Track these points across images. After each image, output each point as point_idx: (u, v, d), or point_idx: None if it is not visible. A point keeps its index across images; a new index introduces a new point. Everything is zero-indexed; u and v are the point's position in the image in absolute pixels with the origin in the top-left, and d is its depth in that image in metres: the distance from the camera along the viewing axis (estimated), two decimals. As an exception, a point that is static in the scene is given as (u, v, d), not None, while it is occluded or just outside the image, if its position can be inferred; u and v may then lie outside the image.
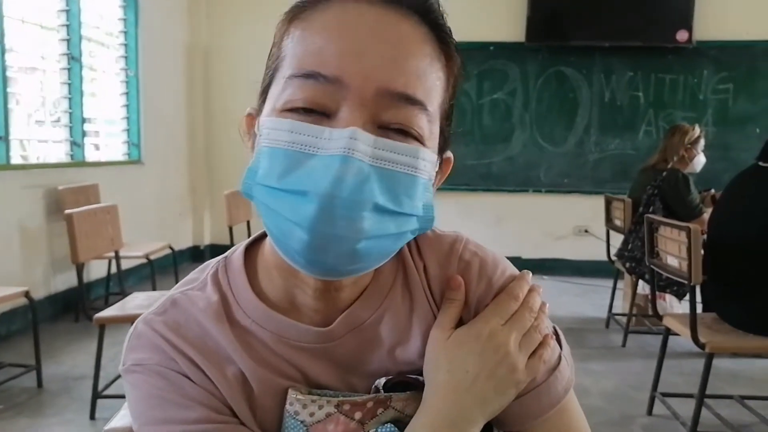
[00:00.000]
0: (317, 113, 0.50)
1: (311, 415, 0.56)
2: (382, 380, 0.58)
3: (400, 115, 0.50)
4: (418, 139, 0.51)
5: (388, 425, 0.56)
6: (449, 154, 0.61)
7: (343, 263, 0.50)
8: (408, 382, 0.59)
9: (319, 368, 0.58)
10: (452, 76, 0.56)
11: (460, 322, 0.60)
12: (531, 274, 0.65)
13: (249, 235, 0.66)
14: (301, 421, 0.56)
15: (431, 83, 0.52)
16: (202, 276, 0.63)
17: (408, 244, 0.61)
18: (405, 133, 0.50)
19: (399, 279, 0.61)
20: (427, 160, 0.52)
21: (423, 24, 0.53)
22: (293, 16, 0.54)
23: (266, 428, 0.58)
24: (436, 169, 0.57)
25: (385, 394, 0.58)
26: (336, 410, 0.56)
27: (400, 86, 0.50)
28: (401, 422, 0.57)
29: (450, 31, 0.55)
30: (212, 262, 0.64)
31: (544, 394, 0.60)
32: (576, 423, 0.62)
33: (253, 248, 0.64)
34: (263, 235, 0.62)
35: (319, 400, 0.56)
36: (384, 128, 0.50)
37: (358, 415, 0.56)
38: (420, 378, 0.59)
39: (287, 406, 0.57)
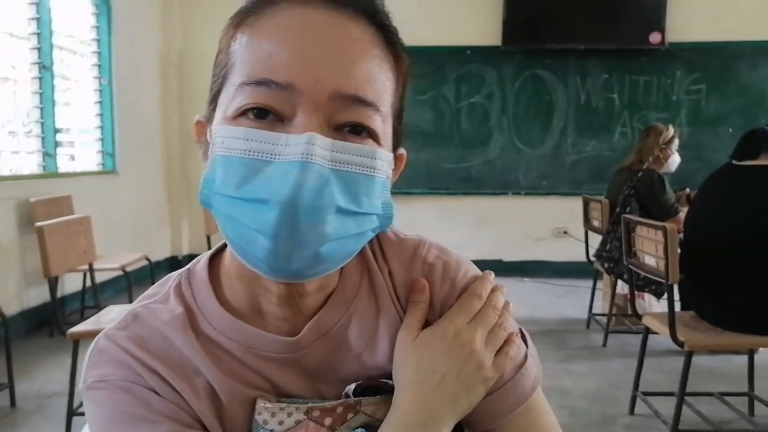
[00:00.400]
0: (271, 118, 0.49)
1: (280, 423, 0.55)
2: (352, 386, 0.58)
3: (353, 117, 0.50)
4: (374, 138, 0.52)
5: (360, 430, 0.56)
6: (402, 151, 0.61)
7: (306, 267, 0.49)
8: (378, 387, 0.58)
9: (288, 377, 0.58)
10: (401, 75, 0.56)
11: (426, 324, 0.60)
12: (493, 275, 0.65)
13: None
14: (270, 430, 0.55)
15: (381, 84, 0.52)
16: (164, 289, 0.61)
17: (372, 249, 0.62)
18: (360, 131, 0.51)
19: (364, 284, 0.61)
20: (383, 160, 0.52)
21: (370, 25, 0.53)
22: (239, 21, 0.53)
23: None
24: (392, 167, 0.57)
25: (355, 399, 0.57)
26: (305, 417, 0.56)
27: (351, 89, 0.50)
28: (372, 426, 0.56)
29: (396, 31, 0.55)
30: (174, 275, 0.63)
31: (511, 392, 0.60)
32: (544, 420, 0.62)
33: (216, 259, 0.62)
34: (225, 246, 0.61)
35: (288, 407, 0.56)
36: (339, 129, 0.50)
37: (328, 421, 0.56)
38: (390, 382, 0.58)
39: (256, 416, 0.56)
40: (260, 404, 0.56)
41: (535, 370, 0.63)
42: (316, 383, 0.59)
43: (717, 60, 5.02)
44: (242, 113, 0.50)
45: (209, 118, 0.55)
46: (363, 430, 0.56)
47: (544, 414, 0.63)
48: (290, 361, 0.58)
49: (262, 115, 0.49)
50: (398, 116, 0.58)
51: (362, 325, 0.60)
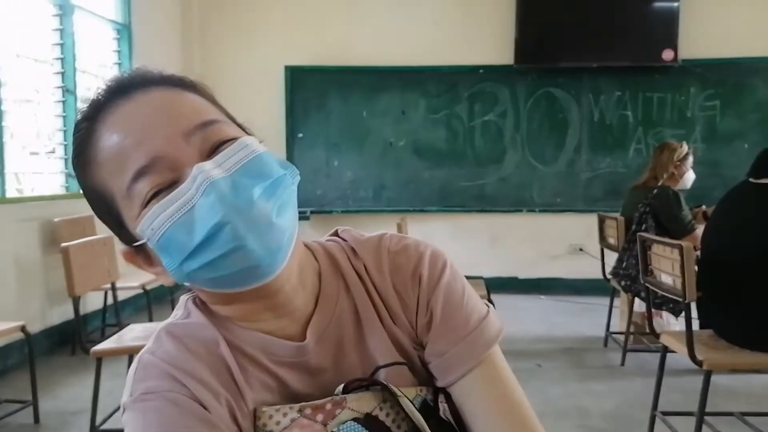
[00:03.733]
0: (166, 190, 0.57)
1: (277, 423, 0.61)
2: (341, 386, 0.64)
3: (212, 137, 0.60)
4: (235, 139, 0.61)
5: (350, 423, 0.62)
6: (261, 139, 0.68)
7: (273, 239, 0.57)
8: (361, 383, 0.65)
9: (297, 379, 0.65)
10: (206, 96, 0.66)
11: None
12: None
13: None
14: (270, 431, 0.61)
15: (202, 107, 0.63)
16: (181, 310, 0.68)
17: (344, 252, 0.72)
18: (224, 143, 0.60)
19: (341, 288, 0.69)
20: (252, 142, 0.61)
21: (161, 85, 0.63)
22: (82, 166, 0.62)
23: None
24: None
25: (341, 395, 0.63)
26: (299, 415, 0.62)
27: (192, 123, 0.60)
28: (359, 420, 0.62)
29: (175, 75, 0.65)
30: (185, 297, 0.69)
31: (478, 338, 0.67)
32: (504, 372, 0.68)
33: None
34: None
35: (283, 408, 0.62)
36: (213, 153, 0.59)
37: (319, 417, 0.62)
38: (374, 379, 0.65)
39: (257, 422, 0.62)
40: (259, 410, 0.62)
41: (498, 324, 0.70)
42: (322, 382, 0.65)
43: (731, 76, 5.01)
44: (145, 205, 0.58)
45: (128, 240, 0.62)
46: (353, 422, 0.62)
47: (503, 366, 0.68)
48: (299, 364, 0.65)
49: (159, 193, 0.58)
50: (235, 120, 0.67)
51: (348, 325, 0.68)
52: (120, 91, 0.61)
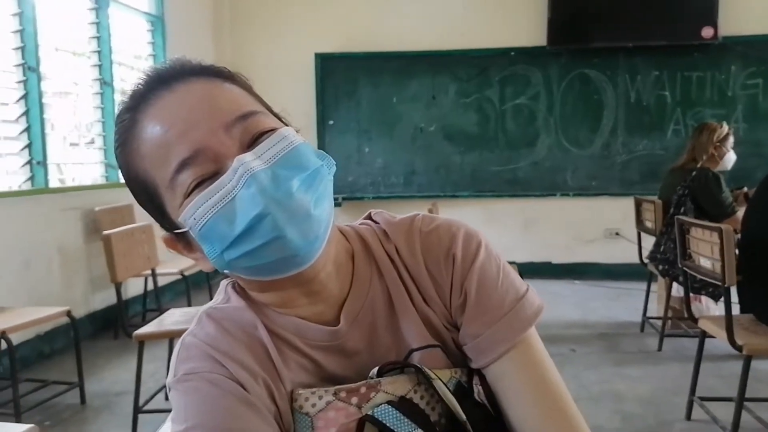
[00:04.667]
0: (208, 181, 0.59)
1: (313, 406, 0.63)
2: (375, 370, 0.65)
3: (251, 128, 0.61)
4: (273, 130, 0.62)
5: (384, 405, 0.62)
6: (297, 127, 0.69)
7: (310, 229, 0.59)
8: (394, 366, 0.66)
9: (334, 362, 0.67)
10: (244, 86, 0.67)
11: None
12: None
13: None
14: (306, 413, 0.63)
15: (241, 98, 0.64)
16: (222, 295, 0.70)
17: (376, 235, 0.72)
18: (263, 134, 0.61)
19: (374, 273, 0.70)
20: (290, 133, 0.63)
21: (200, 76, 0.64)
22: (123, 155, 0.64)
23: (285, 429, 0.64)
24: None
25: (375, 379, 0.64)
26: (334, 398, 0.63)
27: (232, 115, 0.61)
28: (393, 403, 0.63)
29: (213, 65, 0.66)
30: (225, 282, 0.72)
31: (514, 319, 0.66)
32: (540, 355, 0.67)
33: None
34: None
35: (318, 391, 0.63)
36: (252, 145, 0.61)
37: (354, 400, 0.63)
38: (408, 361, 0.66)
39: (293, 404, 0.64)
40: (295, 392, 0.64)
41: (536, 302, 0.69)
42: (357, 364, 0.67)
43: (775, 53, 4.83)
44: (188, 195, 0.60)
45: (171, 227, 0.64)
46: (387, 405, 0.62)
47: (539, 348, 0.68)
48: (334, 348, 0.67)
49: (201, 184, 0.59)
50: (273, 111, 0.68)
51: (382, 308, 0.69)
52: (161, 81, 0.63)
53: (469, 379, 0.68)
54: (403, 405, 0.63)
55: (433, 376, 0.64)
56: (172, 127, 0.60)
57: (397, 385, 0.64)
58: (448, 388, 0.64)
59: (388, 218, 0.74)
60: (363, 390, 0.63)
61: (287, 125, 0.66)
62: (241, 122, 0.61)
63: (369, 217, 0.76)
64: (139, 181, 0.63)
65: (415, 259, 0.70)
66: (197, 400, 0.60)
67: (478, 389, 0.67)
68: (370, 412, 0.62)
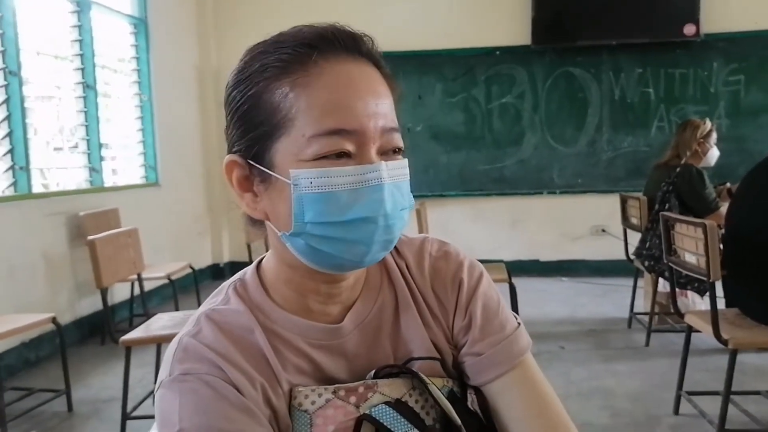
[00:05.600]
0: (344, 157, 0.61)
1: (312, 403, 0.64)
2: (373, 372, 0.68)
3: (393, 142, 0.65)
4: (402, 152, 0.66)
5: (381, 405, 0.64)
6: None
7: (385, 251, 0.65)
8: (392, 370, 0.68)
9: (332, 363, 0.68)
10: (396, 99, 0.69)
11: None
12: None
13: (267, 251, 0.73)
14: (305, 411, 0.64)
15: (393, 112, 0.66)
16: (221, 296, 0.70)
17: None
18: (397, 151, 0.65)
19: (384, 278, 0.73)
20: (407, 165, 0.67)
21: (376, 69, 0.66)
22: (292, 81, 0.62)
23: (283, 429, 0.64)
24: None
25: (372, 380, 0.67)
26: (333, 396, 0.65)
27: (389, 123, 0.64)
28: (390, 404, 0.65)
29: (387, 67, 0.68)
30: (227, 283, 0.71)
31: (514, 344, 0.71)
32: (539, 375, 0.72)
33: (258, 271, 0.72)
34: (261, 260, 0.73)
35: (318, 389, 0.65)
36: (386, 153, 0.64)
37: (352, 399, 0.65)
38: (406, 367, 0.68)
39: (293, 402, 0.64)
40: (295, 390, 0.65)
41: (527, 336, 0.74)
42: (355, 366, 0.68)
43: (755, 49, 4.89)
44: (321, 158, 0.60)
45: (249, 155, 0.64)
46: (385, 405, 0.64)
47: (538, 371, 0.72)
48: (334, 348, 0.68)
49: (339, 156, 0.61)
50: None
51: (387, 313, 0.71)
52: (339, 43, 0.63)
53: (462, 390, 0.71)
54: (399, 406, 0.65)
55: (427, 380, 0.66)
56: (355, 94, 0.62)
57: (393, 388, 0.66)
58: (442, 394, 0.67)
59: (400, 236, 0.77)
60: (361, 390, 0.65)
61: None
62: (390, 133, 0.64)
63: None
64: (275, 106, 0.62)
65: (423, 278, 0.74)
66: (193, 402, 0.59)
67: (472, 398, 0.70)
68: (368, 411, 0.64)
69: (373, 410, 0.64)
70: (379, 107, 0.63)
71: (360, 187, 0.60)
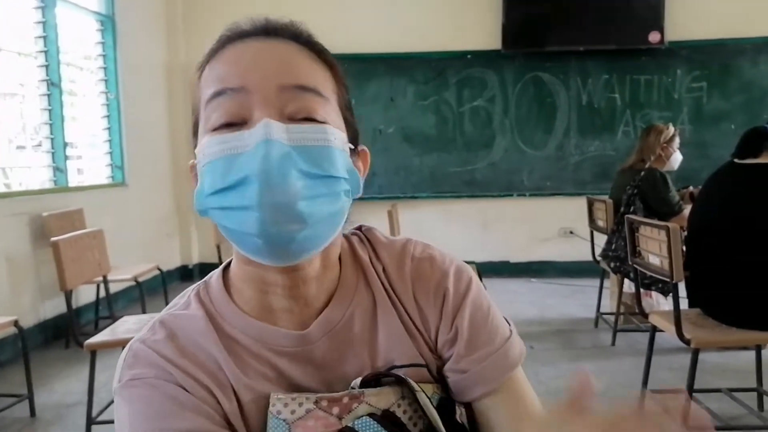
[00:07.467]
0: (236, 125, 0.58)
1: (292, 413, 0.61)
2: (358, 380, 0.63)
3: (301, 104, 0.59)
4: (323, 123, 0.60)
5: (365, 418, 0.60)
6: (364, 147, 0.69)
7: (293, 229, 0.56)
8: (380, 378, 0.63)
9: (299, 371, 0.64)
10: (337, 75, 0.65)
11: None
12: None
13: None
14: (284, 420, 0.60)
15: (318, 75, 0.62)
16: (183, 299, 0.69)
17: (365, 251, 0.71)
18: (311, 120, 0.59)
19: (361, 281, 0.68)
20: (335, 135, 0.60)
21: (298, 44, 0.63)
22: (200, 68, 0.64)
23: None
24: (356, 158, 0.66)
25: (359, 390, 0.62)
26: (315, 406, 0.61)
27: (293, 80, 0.59)
28: (375, 416, 0.61)
29: (322, 46, 0.64)
30: (191, 288, 0.70)
31: (501, 359, 0.67)
32: (528, 392, 0.68)
33: (226, 273, 0.70)
34: (230, 262, 0.70)
35: (299, 398, 0.61)
36: (293, 120, 0.58)
37: (335, 410, 0.61)
38: (392, 372, 0.63)
39: (270, 408, 0.61)
40: (273, 396, 0.61)
41: (520, 345, 0.70)
42: (325, 375, 0.64)
43: (717, 57, 5.04)
44: (215, 129, 0.59)
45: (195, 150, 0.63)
46: (368, 418, 0.60)
47: (526, 386, 0.69)
48: (301, 355, 0.64)
49: (231, 126, 0.58)
50: (348, 109, 0.66)
51: (363, 320, 0.66)
52: (253, 30, 0.63)
53: (451, 400, 0.67)
54: (385, 419, 0.61)
55: (417, 388, 0.62)
56: (246, 56, 0.60)
57: (381, 398, 0.62)
58: (432, 403, 0.63)
59: (379, 237, 0.73)
60: (345, 400, 0.61)
61: (357, 143, 0.66)
62: (297, 92, 0.59)
63: (359, 229, 0.75)
64: (195, 97, 0.64)
65: (404, 283, 0.69)
66: (143, 408, 0.59)
67: (460, 410, 0.67)
68: (350, 424, 0.60)
69: (355, 423, 0.60)
70: (278, 66, 0.59)
71: (244, 152, 0.56)
